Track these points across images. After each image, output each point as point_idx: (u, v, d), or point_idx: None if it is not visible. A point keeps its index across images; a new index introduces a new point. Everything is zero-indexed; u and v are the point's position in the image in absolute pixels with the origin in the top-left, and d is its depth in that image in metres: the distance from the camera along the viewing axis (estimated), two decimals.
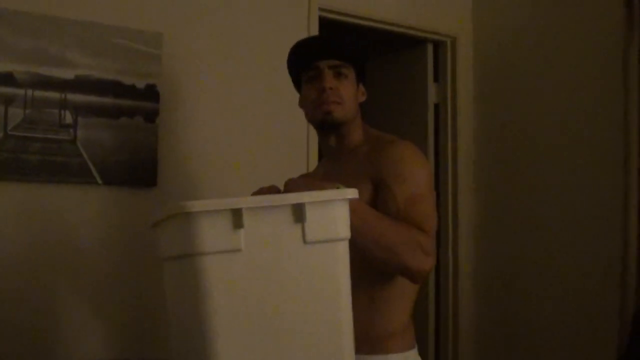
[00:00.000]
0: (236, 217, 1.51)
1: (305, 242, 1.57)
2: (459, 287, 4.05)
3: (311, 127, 3.39)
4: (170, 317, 1.82)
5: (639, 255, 3.17)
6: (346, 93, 2.13)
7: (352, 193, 1.66)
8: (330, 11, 3.68)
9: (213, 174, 3.19)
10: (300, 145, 3.47)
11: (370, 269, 1.95)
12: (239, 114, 3.30)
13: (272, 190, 1.96)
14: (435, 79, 4.23)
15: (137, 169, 2.97)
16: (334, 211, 1.61)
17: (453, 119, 4.15)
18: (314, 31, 3.56)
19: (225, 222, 1.51)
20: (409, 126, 4.25)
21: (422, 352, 2.17)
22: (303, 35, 3.48)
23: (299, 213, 1.57)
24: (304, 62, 2.17)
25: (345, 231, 1.63)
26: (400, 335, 2.06)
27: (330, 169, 2.21)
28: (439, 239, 4.02)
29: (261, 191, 1.99)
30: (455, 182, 4.11)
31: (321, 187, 1.80)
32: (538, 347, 3.71)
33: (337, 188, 1.82)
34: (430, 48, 4.20)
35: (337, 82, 2.12)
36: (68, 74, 2.84)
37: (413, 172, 2.05)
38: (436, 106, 4.23)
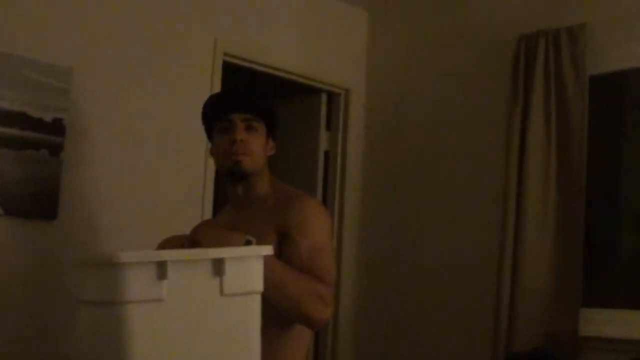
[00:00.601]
0: (161, 269, 1.61)
1: (222, 294, 1.69)
2: (338, 332, 4.20)
3: (209, 171, 3.54)
4: (80, 356, 1.89)
5: (511, 304, 3.43)
6: (255, 146, 2.26)
7: (268, 250, 1.80)
8: (235, 56, 3.82)
9: (113, 210, 3.25)
10: (197, 189, 3.57)
11: (271, 316, 2.05)
12: (142, 152, 3.37)
13: (181, 239, 2.06)
14: (328, 128, 4.42)
15: (39, 201, 3.00)
16: (250, 266, 1.75)
17: (342, 166, 4.34)
18: (218, 74, 3.69)
19: (149, 273, 1.60)
20: (299, 171, 4.38)
21: None
22: (208, 77, 3.63)
23: (218, 267, 1.69)
24: (218, 113, 2.29)
25: (259, 285, 1.77)
26: None
27: (236, 217, 2.32)
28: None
29: (172, 240, 2.09)
30: (340, 231, 4.28)
31: (232, 239, 1.93)
32: None
33: (249, 240, 1.97)
34: (324, 97, 4.39)
35: (247, 135, 2.25)
36: None
37: (316, 227, 2.20)
38: (327, 153, 4.41)
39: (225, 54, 3.76)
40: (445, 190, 3.96)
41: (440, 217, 3.96)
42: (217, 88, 3.65)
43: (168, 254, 1.64)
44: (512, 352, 3.33)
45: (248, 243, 1.98)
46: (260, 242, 2.03)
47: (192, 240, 2.03)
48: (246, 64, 3.93)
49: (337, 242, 4.26)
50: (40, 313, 3.00)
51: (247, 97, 2.31)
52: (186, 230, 2.36)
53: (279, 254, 2.12)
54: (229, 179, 2.32)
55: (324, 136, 4.40)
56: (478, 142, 3.85)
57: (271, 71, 4.04)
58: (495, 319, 3.46)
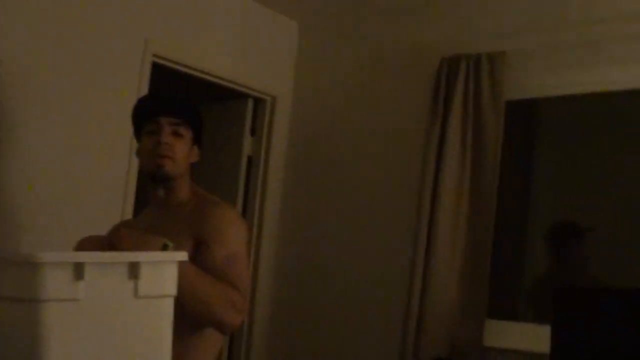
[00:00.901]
0: (78, 270, 1.65)
1: (136, 296, 1.75)
2: (252, 338, 4.29)
3: (132, 172, 3.56)
4: None
5: (420, 313, 3.55)
6: (180, 150, 2.33)
7: (182, 256, 1.85)
8: (165, 58, 3.85)
9: (29, 205, 3.23)
10: (119, 189, 3.59)
11: (183, 319, 2.09)
12: (65, 151, 3.37)
13: (100, 239, 2.11)
14: (252, 134, 4.49)
15: None
16: (164, 271, 1.80)
17: (264, 171, 4.42)
18: (147, 75, 3.72)
19: (67, 273, 1.65)
20: (223, 175, 4.45)
21: None
22: (135, 78, 3.65)
23: (134, 270, 1.74)
24: (147, 115, 2.35)
25: (172, 289, 1.82)
26: None
27: (156, 220, 2.37)
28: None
29: (91, 240, 2.13)
30: (259, 237, 4.35)
31: (149, 242, 1.99)
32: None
33: (165, 244, 2.02)
34: (250, 103, 4.45)
35: (173, 139, 2.32)
36: None
37: (231, 235, 2.28)
38: (249, 159, 4.48)
39: (155, 55, 3.79)
40: (363, 200, 4.09)
41: (356, 226, 4.09)
42: (144, 89, 3.67)
43: (86, 256, 1.68)
44: None
45: (165, 247, 2.04)
46: (177, 246, 2.08)
47: (110, 241, 2.08)
48: (176, 67, 3.96)
49: (255, 247, 4.34)
50: None
51: (177, 103, 2.38)
52: (106, 229, 2.41)
53: (194, 259, 2.18)
54: (151, 181, 2.38)
55: (248, 141, 4.46)
56: (397, 156, 3.99)
57: (200, 75, 4.08)
58: (403, 328, 3.57)
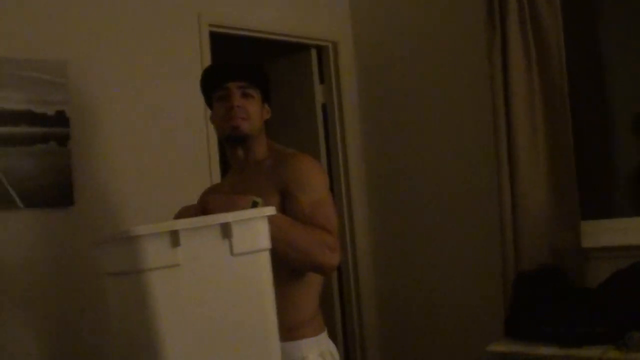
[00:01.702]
0: (173, 238, 1.78)
1: (232, 254, 1.86)
2: (359, 274, 4.42)
3: (211, 142, 3.68)
4: (113, 326, 2.08)
5: (514, 227, 3.58)
6: (252, 110, 2.42)
7: (270, 210, 1.95)
8: (220, 26, 3.93)
9: (126, 190, 3.41)
10: (202, 157, 3.72)
11: (281, 269, 2.18)
12: (144, 131, 3.52)
13: (194, 208, 2.22)
14: (321, 81, 4.55)
15: (55, 190, 3.16)
16: (255, 227, 1.91)
17: (340, 117, 4.48)
18: (207, 47, 3.81)
19: (164, 242, 1.77)
20: (300, 127, 4.54)
21: (332, 334, 2.48)
22: (197, 52, 3.75)
23: (226, 230, 1.85)
24: (215, 82, 2.44)
25: (266, 242, 1.92)
26: (311, 322, 2.38)
27: (239, 180, 2.47)
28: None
29: (186, 210, 2.24)
30: (347, 177, 4.46)
31: (237, 202, 2.09)
32: (435, 318, 4.18)
33: (255, 202, 2.11)
34: (314, 53, 4.50)
35: (244, 101, 2.40)
36: None
37: (314, 181, 2.36)
38: (324, 106, 4.55)
39: (211, 25, 3.86)
40: (440, 125, 4.12)
41: (438, 151, 4.14)
42: (207, 60, 3.77)
43: (179, 223, 1.80)
44: (522, 271, 3.47)
45: (255, 204, 2.11)
46: (264, 201, 2.16)
47: (202, 208, 2.18)
48: (233, 32, 4.03)
49: (346, 186, 4.45)
50: (70, 292, 3.19)
51: (241, 66, 2.45)
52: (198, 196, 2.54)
53: (282, 210, 2.26)
54: (229, 144, 2.48)
55: (318, 89, 4.52)
56: (463, 77, 4.00)
57: (258, 34, 4.14)
58: (501, 242, 3.59)
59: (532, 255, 3.52)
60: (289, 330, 2.28)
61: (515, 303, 3.35)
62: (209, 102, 2.51)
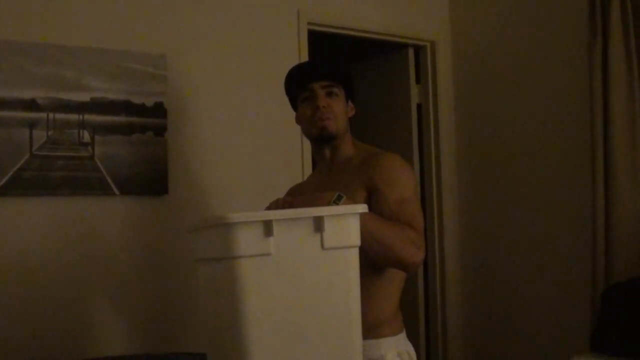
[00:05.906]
0: (267, 227, 1.79)
1: (323, 248, 1.86)
2: (446, 276, 4.38)
3: (305, 139, 3.71)
4: (202, 310, 2.13)
5: (607, 236, 3.47)
6: (338, 109, 2.41)
7: (363, 208, 1.94)
8: (318, 24, 3.95)
9: (218, 181, 3.48)
10: (295, 153, 3.76)
11: (365, 267, 2.14)
12: (239, 125, 3.58)
13: (283, 202, 2.25)
14: (417, 81, 4.52)
15: (150, 179, 3.25)
16: (347, 223, 1.90)
17: (435, 118, 4.44)
18: (305, 44, 3.84)
19: (257, 231, 1.79)
20: (394, 126, 4.52)
21: (413, 336, 2.46)
22: (295, 48, 3.79)
23: (318, 224, 1.85)
24: (299, 84, 2.45)
25: (356, 240, 1.92)
26: (391, 321, 2.35)
27: (326, 178, 2.47)
28: (426, 232, 4.33)
29: (277, 203, 2.26)
30: (439, 178, 4.41)
31: (320, 198, 2.10)
32: (519, 325, 4.07)
33: (340, 195, 2.12)
34: (411, 52, 4.47)
35: (329, 101, 2.39)
36: (84, 97, 3.13)
37: (401, 179, 2.34)
38: (419, 106, 4.51)
39: (310, 23, 3.89)
40: (535, 131, 4.01)
41: (530, 161, 4.04)
42: (305, 57, 3.80)
43: (273, 214, 1.81)
44: (612, 283, 3.36)
45: (339, 198, 2.11)
46: (350, 198, 2.16)
47: (289, 202, 2.18)
48: (331, 30, 4.05)
49: (436, 190, 4.41)
50: (162, 277, 3.29)
51: (324, 66, 2.45)
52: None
53: (369, 207, 2.27)
54: (316, 144, 2.47)
55: (414, 89, 4.49)
56: (562, 86, 3.88)
57: (356, 33, 4.15)
58: (592, 251, 3.49)
59: (624, 266, 3.40)
60: (368, 329, 2.25)
61: (604, 316, 3.23)
62: (294, 103, 2.52)
